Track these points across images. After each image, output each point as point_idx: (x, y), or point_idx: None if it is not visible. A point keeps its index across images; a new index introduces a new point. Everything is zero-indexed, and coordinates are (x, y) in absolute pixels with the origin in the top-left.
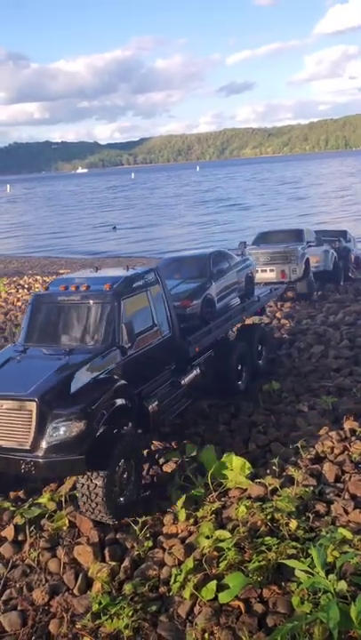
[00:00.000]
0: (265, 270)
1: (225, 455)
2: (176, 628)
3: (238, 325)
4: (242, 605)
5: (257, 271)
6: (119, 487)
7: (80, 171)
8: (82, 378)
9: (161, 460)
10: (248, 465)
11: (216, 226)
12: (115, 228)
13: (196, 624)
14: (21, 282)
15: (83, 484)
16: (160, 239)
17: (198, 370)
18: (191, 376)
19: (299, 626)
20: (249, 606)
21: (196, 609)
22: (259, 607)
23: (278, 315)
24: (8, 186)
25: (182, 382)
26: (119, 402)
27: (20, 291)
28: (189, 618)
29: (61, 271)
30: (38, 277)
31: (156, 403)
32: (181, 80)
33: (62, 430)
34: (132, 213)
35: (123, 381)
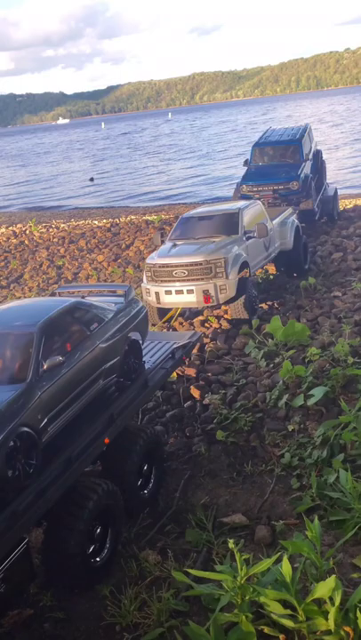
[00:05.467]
0: (181, 291)
1: (288, 323)
2: (278, 424)
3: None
4: (324, 409)
5: (170, 292)
6: None
7: (61, 121)
8: None
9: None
10: (307, 328)
11: None
12: (92, 179)
13: (293, 420)
14: (49, 223)
15: None
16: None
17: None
18: None
19: None
20: (329, 409)
21: (290, 413)
22: (336, 410)
23: None
24: None
25: None
26: None
27: (50, 230)
28: (286, 418)
29: (55, 221)
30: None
31: None
32: (150, 22)
33: None
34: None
35: None
